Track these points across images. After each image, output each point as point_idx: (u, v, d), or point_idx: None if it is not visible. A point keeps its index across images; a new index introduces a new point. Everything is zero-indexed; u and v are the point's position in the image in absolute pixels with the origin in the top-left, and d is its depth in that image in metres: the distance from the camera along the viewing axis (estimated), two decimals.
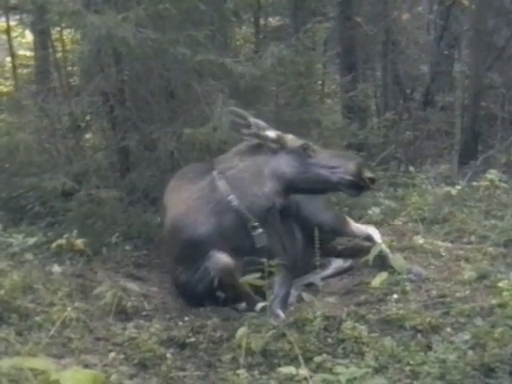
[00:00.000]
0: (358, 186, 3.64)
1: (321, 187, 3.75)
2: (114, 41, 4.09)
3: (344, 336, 3.02)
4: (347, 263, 4.22)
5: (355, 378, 1.97)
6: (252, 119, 3.68)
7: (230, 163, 3.68)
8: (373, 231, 4.28)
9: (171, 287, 3.89)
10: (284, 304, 3.59)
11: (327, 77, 7.50)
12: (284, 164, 3.64)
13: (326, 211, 4.30)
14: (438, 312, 3.27)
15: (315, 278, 3.92)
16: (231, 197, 3.54)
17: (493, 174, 5.10)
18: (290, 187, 3.68)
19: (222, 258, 3.44)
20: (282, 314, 3.44)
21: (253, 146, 3.71)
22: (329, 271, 4.13)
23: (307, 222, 4.12)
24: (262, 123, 3.70)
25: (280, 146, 3.67)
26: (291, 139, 3.72)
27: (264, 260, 3.13)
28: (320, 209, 4.26)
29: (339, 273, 4.18)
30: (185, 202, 3.66)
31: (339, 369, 1.96)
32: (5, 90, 7.02)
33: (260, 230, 3.54)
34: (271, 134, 3.69)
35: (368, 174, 3.64)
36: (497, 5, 8.20)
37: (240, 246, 3.54)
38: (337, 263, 4.23)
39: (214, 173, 3.65)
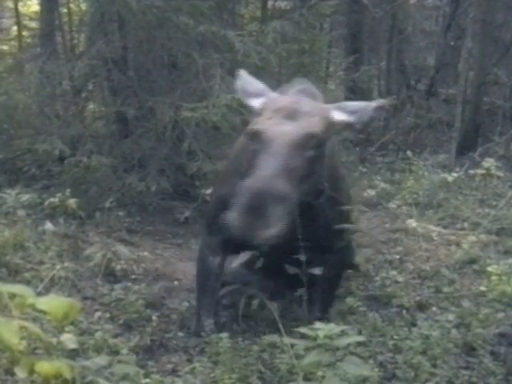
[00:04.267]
0: None
1: None
2: (116, 4, 4.05)
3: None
4: None
5: (337, 335, 1.99)
6: (240, 80, 2.80)
7: None
8: None
9: None
10: None
11: (332, 56, 7.45)
12: None
13: None
14: (425, 292, 3.29)
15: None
16: None
17: (489, 163, 5.09)
18: None
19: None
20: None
21: None
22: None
23: None
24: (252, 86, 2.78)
25: None
26: None
27: None
28: None
29: None
30: None
31: (318, 325, 1.98)
32: (8, 51, 6.97)
33: None
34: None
35: None
36: None
37: None
38: None
39: None
